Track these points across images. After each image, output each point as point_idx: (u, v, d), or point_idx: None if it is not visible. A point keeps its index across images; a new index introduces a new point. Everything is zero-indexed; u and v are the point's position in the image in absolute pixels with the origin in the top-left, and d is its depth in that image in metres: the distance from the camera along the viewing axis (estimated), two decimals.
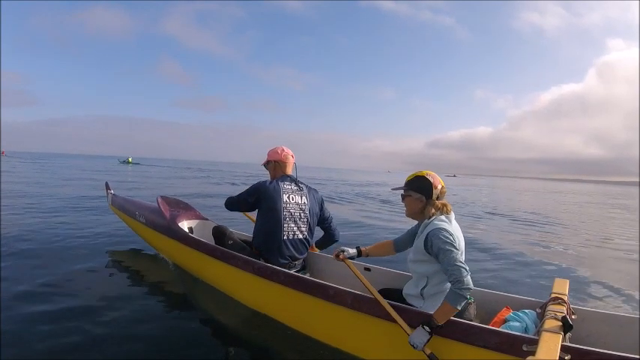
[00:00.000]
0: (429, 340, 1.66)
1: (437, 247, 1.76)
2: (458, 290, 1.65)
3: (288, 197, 2.55)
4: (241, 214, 3.39)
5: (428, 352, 1.66)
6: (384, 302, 1.86)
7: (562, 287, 1.97)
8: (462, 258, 1.82)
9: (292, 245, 2.55)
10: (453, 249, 1.73)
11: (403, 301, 1.96)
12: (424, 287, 1.89)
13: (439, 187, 1.93)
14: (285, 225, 2.50)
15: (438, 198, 1.92)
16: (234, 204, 2.68)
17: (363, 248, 2.37)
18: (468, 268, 1.69)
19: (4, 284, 2.83)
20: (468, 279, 1.66)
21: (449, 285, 1.79)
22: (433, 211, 1.91)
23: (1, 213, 5.79)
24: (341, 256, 2.32)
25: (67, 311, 2.46)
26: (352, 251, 2.35)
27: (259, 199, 2.53)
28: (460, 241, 1.86)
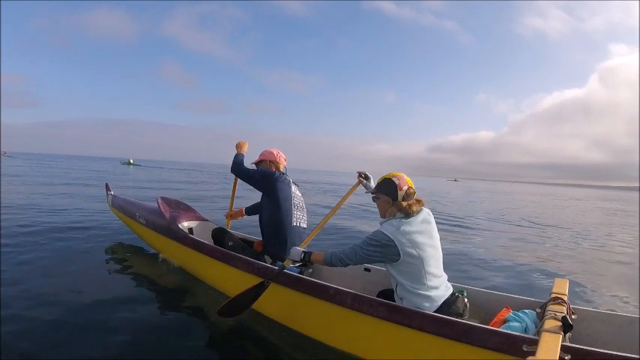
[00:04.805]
0: (294, 262, 2.21)
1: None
2: (335, 254, 1.99)
3: (294, 189, 2.78)
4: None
5: (286, 264, 2.23)
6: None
7: (562, 287, 1.96)
8: (432, 267, 1.83)
9: (298, 233, 2.69)
10: (369, 245, 1.86)
11: None
12: (396, 288, 1.90)
13: (405, 188, 1.93)
14: (294, 212, 2.70)
15: (404, 199, 1.92)
16: (242, 174, 2.73)
17: None
18: (356, 260, 1.91)
19: (4, 286, 2.82)
20: (346, 261, 1.94)
21: (418, 286, 1.81)
22: (395, 211, 1.94)
23: (2, 213, 5.80)
24: (362, 176, 2.58)
25: (65, 312, 2.45)
26: (371, 184, 2.56)
27: (271, 184, 2.65)
28: (420, 240, 1.82)
